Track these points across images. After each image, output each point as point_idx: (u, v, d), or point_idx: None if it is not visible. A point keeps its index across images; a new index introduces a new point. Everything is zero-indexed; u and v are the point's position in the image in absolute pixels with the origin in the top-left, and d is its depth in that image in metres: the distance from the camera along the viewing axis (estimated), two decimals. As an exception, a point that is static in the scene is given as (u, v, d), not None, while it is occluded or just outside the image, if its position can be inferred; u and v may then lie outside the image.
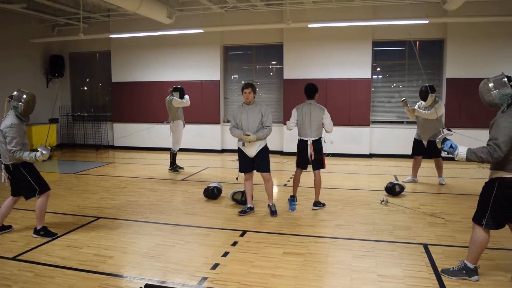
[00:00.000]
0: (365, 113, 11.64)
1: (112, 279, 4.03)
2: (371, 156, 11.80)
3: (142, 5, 9.46)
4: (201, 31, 11.38)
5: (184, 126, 9.52)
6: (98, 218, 6.04)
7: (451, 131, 8.63)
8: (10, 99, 5.00)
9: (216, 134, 12.77)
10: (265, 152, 6.03)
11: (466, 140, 10.31)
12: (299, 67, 11.93)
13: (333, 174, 9.18)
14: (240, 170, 6.18)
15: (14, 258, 4.51)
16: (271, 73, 12.96)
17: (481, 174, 9.23)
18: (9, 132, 4.86)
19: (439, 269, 4.16)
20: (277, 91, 12.70)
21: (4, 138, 4.89)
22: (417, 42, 11.71)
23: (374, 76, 11.99)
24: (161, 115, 12.38)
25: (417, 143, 8.17)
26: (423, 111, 7.82)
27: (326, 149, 6.58)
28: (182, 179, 8.90)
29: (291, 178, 8.19)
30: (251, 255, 4.60)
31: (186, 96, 9.27)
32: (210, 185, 7.19)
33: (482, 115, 10.60)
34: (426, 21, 10.27)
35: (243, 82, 12.99)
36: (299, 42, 11.92)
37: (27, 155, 4.96)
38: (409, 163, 8.74)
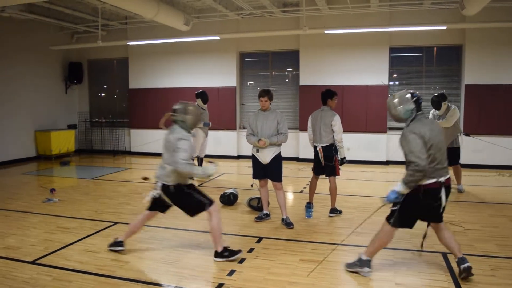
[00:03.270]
0: (382, 120, 11.55)
1: (129, 284, 4.06)
2: (388, 163, 11.69)
3: (160, 12, 9.57)
4: (217, 38, 11.45)
5: (205, 135, 9.53)
6: (115, 223, 6.09)
7: (469, 135, 8.52)
8: (173, 114, 4.68)
9: (232, 140, 12.80)
10: (278, 160, 5.99)
11: (485, 145, 10.24)
12: (315, 73, 11.91)
13: (350, 181, 9.12)
14: (254, 177, 6.17)
15: (33, 262, 4.57)
16: (287, 80, 12.97)
17: (500, 182, 9.09)
18: (182, 144, 4.48)
19: (457, 280, 4.09)
20: (293, 98, 12.69)
21: (173, 151, 4.48)
22: (435, 48, 11.60)
23: (391, 83, 11.90)
24: (178, 121, 12.46)
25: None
26: (439, 121, 7.77)
27: (348, 156, 6.53)
28: (199, 185, 8.93)
29: (307, 184, 8.14)
30: (267, 262, 4.58)
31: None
32: (226, 191, 7.20)
33: (501, 121, 10.51)
34: (444, 27, 10.18)
35: (259, 88, 13.05)
36: (315, 48, 11.91)
37: (198, 170, 4.64)
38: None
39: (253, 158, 6.06)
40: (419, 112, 4.03)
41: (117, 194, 8.09)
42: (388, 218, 4.16)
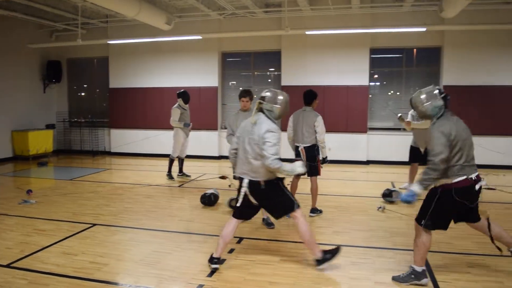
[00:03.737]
0: (362, 120, 11.65)
1: (107, 286, 4.00)
2: (368, 162, 11.80)
3: (141, 11, 9.48)
4: (199, 37, 11.41)
5: (185, 134, 9.45)
6: (94, 225, 5.99)
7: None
8: (261, 101, 4.35)
9: (213, 140, 12.75)
10: None
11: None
12: (297, 73, 11.95)
13: (330, 181, 9.16)
14: (235, 177, 6.13)
15: (8, 266, 4.45)
16: (269, 80, 12.98)
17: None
18: (271, 137, 4.12)
19: (435, 276, 4.14)
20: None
21: (261, 145, 4.13)
22: (414, 50, 11.75)
23: (371, 83, 12.01)
24: (159, 121, 12.40)
25: (414, 150, 8.18)
26: (417, 122, 7.87)
27: (329, 156, 6.56)
28: (179, 186, 8.87)
29: (288, 185, 8.14)
30: (248, 262, 4.56)
31: (176, 121, 9.21)
32: (207, 191, 7.16)
33: (479, 122, 10.69)
34: (424, 29, 10.33)
35: (240, 88, 13.03)
36: (297, 49, 11.95)
37: (287, 166, 4.22)
38: (406, 170, 8.71)
39: None
40: (446, 109, 3.92)
41: (96, 195, 7.97)
42: (417, 220, 4.02)
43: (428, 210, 3.90)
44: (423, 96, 3.95)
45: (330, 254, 4.32)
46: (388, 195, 7.24)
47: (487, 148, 10.48)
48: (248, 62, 13.02)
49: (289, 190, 6.50)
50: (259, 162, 4.17)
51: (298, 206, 4.35)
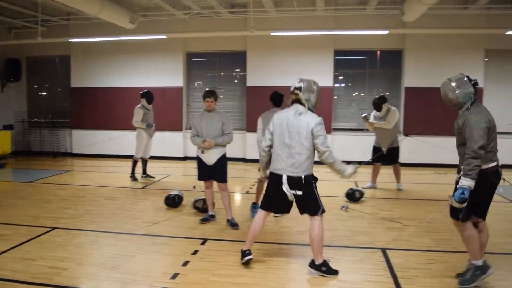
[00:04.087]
0: (327, 121, 11.65)
1: (66, 291, 3.90)
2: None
3: (104, 9, 9.30)
4: (164, 37, 11.29)
5: (149, 135, 9.31)
6: (54, 228, 5.82)
7: (408, 136, 8.88)
8: (297, 92, 4.25)
9: (178, 141, 12.63)
10: (223, 161, 5.96)
11: (422, 145, 10.75)
12: (262, 74, 12.00)
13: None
14: (199, 178, 6.10)
15: (-39, 272, 4.28)
16: (235, 80, 12.97)
17: (437, 180, 9.56)
18: (322, 130, 4.19)
19: (396, 273, 4.24)
20: (241, 98, 12.71)
21: (315, 139, 4.19)
22: (378, 52, 12.02)
23: (336, 85, 12.20)
24: (122, 121, 12.18)
25: (376, 150, 8.37)
26: (380, 122, 8.08)
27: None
28: (143, 187, 8.74)
29: (253, 185, 8.18)
30: (212, 264, 4.55)
31: (138, 122, 9.08)
32: (171, 193, 7.08)
33: (438, 122, 11.04)
34: (386, 32, 10.58)
35: (206, 89, 12.94)
36: (262, 49, 11.99)
37: (339, 164, 4.36)
38: (369, 170, 8.90)
39: (198, 159, 6.00)
40: (475, 97, 3.88)
41: (56, 198, 7.74)
42: (453, 216, 3.92)
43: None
44: (454, 84, 3.88)
45: (326, 268, 4.23)
46: (351, 195, 7.38)
47: (448, 149, 10.83)
48: (214, 63, 12.98)
49: (256, 191, 6.57)
50: (304, 156, 4.17)
51: (323, 211, 4.32)
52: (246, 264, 4.43)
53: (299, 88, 4.24)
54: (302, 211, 4.39)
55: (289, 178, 4.19)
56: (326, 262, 4.27)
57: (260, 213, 4.49)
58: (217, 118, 5.88)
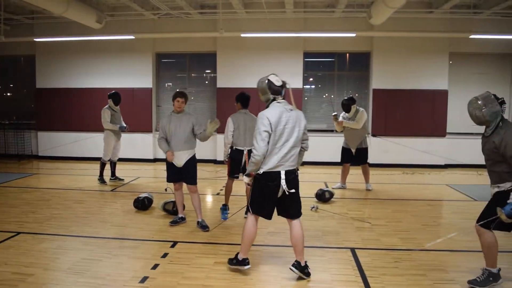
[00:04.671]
0: (297, 122, 11.86)
1: (31, 298, 3.80)
2: (302, 163, 12.04)
3: (70, 8, 9.10)
4: (132, 37, 11.14)
5: (125, 129, 9.17)
6: (18, 233, 5.65)
7: (376, 136, 9.04)
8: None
9: (148, 143, 12.48)
10: (193, 163, 5.94)
11: (390, 146, 11.00)
12: (232, 76, 11.98)
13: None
14: (169, 180, 6.05)
15: None
16: (206, 82, 12.92)
17: (405, 180, 9.79)
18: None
19: (365, 272, 4.32)
20: (211, 100, 12.67)
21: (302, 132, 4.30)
22: (347, 54, 12.21)
23: (306, 86, 12.32)
24: (90, 123, 11.95)
25: (345, 151, 8.50)
26: (349, 122, 8.21)
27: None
28: (112, 190, 8.60)
29: (223, 187, 8.18)
30: (181, 266, 4.52)
31: (108, 123, 8.94)
32: (140, 195, 6.99)
33: (405, 123, 11.33)
34: (354, 35, 10.77)
35: (177, 90, 12.85)
36: (232, 51, 11.99)
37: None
38: (338, 170, 9.04)
39: (167, 161, 5.95)
40: (503, 115, 3.91)
41: (21, 201, 7.51)
42: (484, 225, 3.93)
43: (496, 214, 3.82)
44: (480, 102, 3.89)
45: (308, 270, 4.26)
46: (321, 195, 7.47)
47: (414, 148, 11.14)
48: (184, 64, 12.89)
49: (225, 192, 6.57)
50: (298, 148, 4.26)
51: None
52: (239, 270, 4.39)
53: (285, 84, 4.35)
54: (285, 213, 4.34)
55: (287, 173, 4.17)
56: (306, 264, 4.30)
57: (252, 218, 4.31)
58: (185, 119, 5.84)
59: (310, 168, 11.59)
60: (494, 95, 3.92)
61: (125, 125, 9.15)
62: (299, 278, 4.22)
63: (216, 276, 4.27)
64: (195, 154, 5.97)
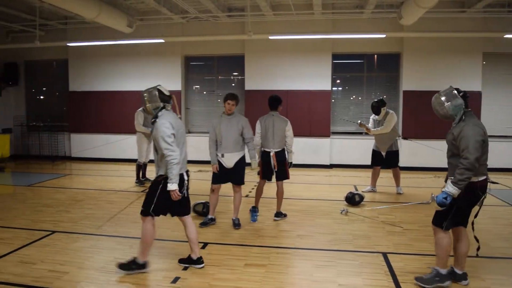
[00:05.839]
0: (325, 124, 11.83)
1: (67, 296, 3.89)
2: (331, 166, 11.99)
3: (101, 13, 9.30)
4: (161, 41, 11.29)
5: (148, 139, 9.24)
6: (53, 232, 5.81)
7: (407, 139, 8.89)
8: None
9: (177, 144, 12.59)
10: (242, 164, 5.98)
11: (422, 149, 10.79)
12: (260, 78, 12.02)
13: (294, 185, 9.24)
14: (214, 182, 6.06)
15: (-39, 277, 4.26)
16: (233, 84, 12.99)
17: (436, 184, 9.56)
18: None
19: (398, 277, 4.25)
20: (239, 102, 12.68)
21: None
22: (375, 56, 12.06)
23: (334, 88, 12.23)
24: (121, 125, 12.18)
25: (375, 153, 8.38)
26: (378, 128, 8.10)
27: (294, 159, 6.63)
28: (142, 191, 8.73)
29: (252, 189, 8.19)
30: (212, 268, 4.55)
31: (140, 126, 9.01)
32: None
33: (436, 126, 11.05)
34: (383, 36, 10.61)
35: (204, 92, 13.01)
36: (260, 53, 12.02)
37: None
38: (368, 173, 8.92)
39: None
40: (468, 109, 3.93)
41: (55, 201, 7.73)
42: (436, 223, 4.00)
43: (449, 212, 3.89)
44: (443, 98, 3.98)
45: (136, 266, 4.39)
46: (351, 198, 7.38)
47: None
48: (212, 66, 13.00)
49: (255, 194, 6.59)
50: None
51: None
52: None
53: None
54: (175, 212, 4.55)
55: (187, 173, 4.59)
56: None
57: (152, 221, 4.53)
58: (235, 122, 5.90)
59: (339, 170, 11.50)
60: (457, 89, 3.98)
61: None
62: (329, 281, 4.19)
63: (247, 278, 4.27)
64: (244, 155, 6.01)
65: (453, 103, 3.92)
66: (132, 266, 4.38)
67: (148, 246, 4.44)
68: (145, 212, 4.38)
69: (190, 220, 4.58)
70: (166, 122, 4.22)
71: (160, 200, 4.31)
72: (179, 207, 4.43)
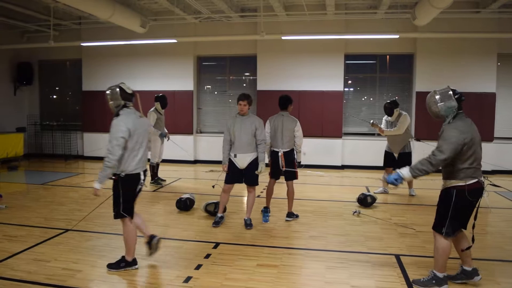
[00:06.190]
0: (337, 125, 11.78)
1: (80, 294, 3.92)
2: (343, 167, 11.93)
3: (115, 13, 9.36)
4: (174, 41, 11.34)
5: (165, 138, 9.28)
6: (67, 230, 5.86)
7: (420, 140, 8.81)
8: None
9: (189, 144, 12.65)
10: (255, 165, 5.97)
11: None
12: (272, 78, 12.01)
13: (306, 185, 9.23)
14: (227, 182, 6.06)
15: (-24, 273, 4.32)
16: (245, 84, 12.99)
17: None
18: None
19: (411, 279, 4.21)
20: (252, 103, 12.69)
21: None
22: (388, 56, 11.98)
23: (346, 89, 12.17)
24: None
25: (388, 155, 8.32)
26: (391, 129, 8.04)
27: (304, 160, 6.61)
28: (154, 191, 8.77)
29: (264, 189, 8.17)
30: (224, 268, 4.55)
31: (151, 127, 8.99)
32: (182, 196, 7.09)
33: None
34: (397, 36, 10.53)
35: (216, 92, 13.04)
36: (272, 54, 12.01)
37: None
38: (380, 175, 8.86)
39: (229, 162, 6.02)
40: (460, 111, 3.91)
41: (68, 200, 7.80)
42: (436, 229, 3.99)
43: (446, 218, 3.88)
44: (437, 97, 3.94)
45: (124, 263, 4.50)
46: (363, 200, 7.33)
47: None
48: (224, 67, 13.02)
49: (266, 194, 6.59)
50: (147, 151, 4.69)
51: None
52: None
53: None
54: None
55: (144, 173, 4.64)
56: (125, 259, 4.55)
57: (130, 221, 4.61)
58: (249, 122, 5.91)
59: (351, 172, 11.45)
60: (453, 90, 3.92)
61: (166, 132, 9.22)
62: (342, 283, 4.17)
63: (259, 279, 4.26)
64: (257, 156, 6.00)
65: (446, 104, 3.89)
66: (121, 264, 4.47)
67: (132, 245, 4.52)
68: (117, 215, 4.46)
69: (129, 222, 4.58)
70: (122, 124, 4.26)
71: (125, 198, 4.45)
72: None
